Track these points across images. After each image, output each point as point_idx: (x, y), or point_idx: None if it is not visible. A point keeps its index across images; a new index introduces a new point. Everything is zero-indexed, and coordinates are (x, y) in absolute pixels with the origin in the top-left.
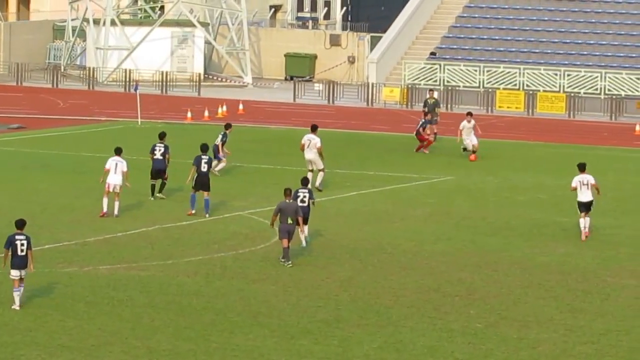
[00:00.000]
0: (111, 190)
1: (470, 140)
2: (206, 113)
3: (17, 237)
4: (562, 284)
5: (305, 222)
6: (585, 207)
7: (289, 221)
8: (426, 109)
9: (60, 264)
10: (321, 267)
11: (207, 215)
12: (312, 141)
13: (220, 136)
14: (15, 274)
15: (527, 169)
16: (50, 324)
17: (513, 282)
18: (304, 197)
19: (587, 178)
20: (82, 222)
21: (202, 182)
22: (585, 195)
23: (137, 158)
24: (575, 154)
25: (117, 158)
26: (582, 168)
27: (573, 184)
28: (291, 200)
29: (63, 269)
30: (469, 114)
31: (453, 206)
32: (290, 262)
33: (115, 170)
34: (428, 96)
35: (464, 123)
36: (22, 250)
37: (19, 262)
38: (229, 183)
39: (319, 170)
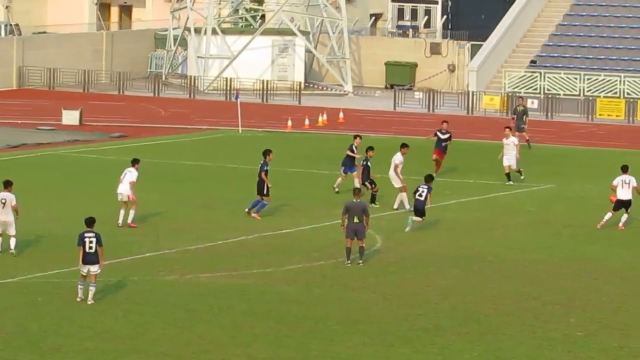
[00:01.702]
0: (119, 199)
1: (509, 160)
2: (307, 121)
3: (86, 234)
4: None
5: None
6: (624, 205)
7: (356, 220)
8: (515, 117)
9: (161, 272)
10: (421, 275)
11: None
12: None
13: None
14: (83, 269)
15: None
16: (151, 332)
17: (613, 290)
18: (422, 192)
19: (630, 178)
20: (182, 230)
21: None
22: (624, 194)
23: (238, 166)
24: None
25: (129, 168)
26: (625, 169)
27: (614, 182)
28: (359, 200)
29: (164, 277)
30: (507, 127)
31: (553, 214)
32: (349, 262)
33: (123, 180)
34: (518, 103)
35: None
36: (90, 247)
37: (88, 259)
38: (327, 191)
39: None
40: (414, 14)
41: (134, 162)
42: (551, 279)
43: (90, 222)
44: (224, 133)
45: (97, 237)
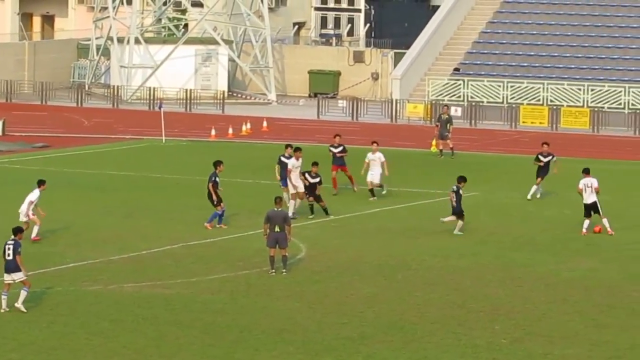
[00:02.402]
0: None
1: (372, 175)
2: (230, 130)
3: (7, 242)
4: (587, 299)
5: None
6: (591, 208)
7: (277, 229)
8: (439, 124)
9: (85, 282)
10: (346, 283)
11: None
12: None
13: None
14: (6, 278)
15: (551, 184)
16: (75, 343)
17: (538, 297)
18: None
19: (592, 181)
20: (106, 240)
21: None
22: (589, 198)
23: (161, 176)
24: (599, 168)
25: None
26: (586, 172)
27: (579, 186)
28: (280, 209)
29: (88, 287)
30: (374, 142)
31: (478, 222)
32: (274, 270)
33: (25, 200)
34: (442, 111)
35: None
36: (8, 255)
37: (7, 266)
38: (252, 200)
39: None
40: (337, 22)
41: (40, 184)
42: (476, 287)
43: (16, 231)
44: (148, 142)
45: (15, 245)
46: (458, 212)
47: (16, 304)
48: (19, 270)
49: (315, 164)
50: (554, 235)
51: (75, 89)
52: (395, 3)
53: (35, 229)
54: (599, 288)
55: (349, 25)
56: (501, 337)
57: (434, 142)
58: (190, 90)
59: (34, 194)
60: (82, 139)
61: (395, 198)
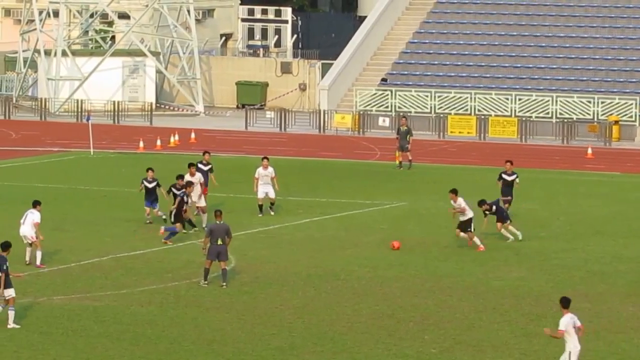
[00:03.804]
0: (24, 242)
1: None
2: (158, 142)
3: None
4: (516, 308)
5: None
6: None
7: (219, 242)
8: (399, 136)
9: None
10: (275, 294)
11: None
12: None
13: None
14: (5, 293)
15: (479, 193)
16: (4, 356)
17: (467, 307)
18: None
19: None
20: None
21: None
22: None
23: (89, 188)
24: (527, 177)
25: (30, 210)
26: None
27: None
28: (222, 222)
29: (17, 299)
30: (265, 158)
31: (405, 232)
32: (207, 282)
33: (25, 222)
34: (400, 123)
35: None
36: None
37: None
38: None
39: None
40: (264, 33)
41: (35, 204)
42: (405, 297)
43: (4, 246)
44: (76, 155)
45: (1, 261)
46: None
47: (9, 326)
48: (10, 286)
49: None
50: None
51: (3, 102)
52: (322, 14)
53: (38, 255)
54: (527, 297)
55: (276, 36)
56: (431, 347)
57: (397, 154)
58: (118, 102)
59: (35, 215)
60: (9, 151)
61: (324, 209)
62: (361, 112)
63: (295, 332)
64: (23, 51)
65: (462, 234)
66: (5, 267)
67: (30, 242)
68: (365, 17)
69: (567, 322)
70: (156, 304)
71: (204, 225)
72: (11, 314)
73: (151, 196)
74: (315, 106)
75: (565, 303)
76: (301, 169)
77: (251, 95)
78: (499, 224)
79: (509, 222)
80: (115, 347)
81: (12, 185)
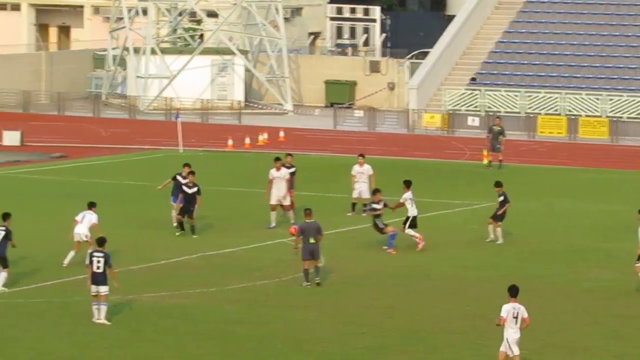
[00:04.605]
0: (75, 239)
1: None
2: (247, 140)
3: (95, 253)
4: (607, 309)
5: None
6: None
7: (311, 240)
8: (490, 136)
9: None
10: (364, 294)
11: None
12: None
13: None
14: (92, 289)
15: (570, 194)
16: (95, 353)
17: (557, 308)
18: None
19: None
20: (124, 250)
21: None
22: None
23: None
24: (618, 179)
25: (87, 211)
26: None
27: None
28: (312, 220)
29: (108, 296)
30: (361, 155)
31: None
32: (309, 283)
33: (82, 221)
34: (493, 123)
35: (356, 167)
36: (98, 267)
37: (96, 278)
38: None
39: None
40: (353, 32)
41: (91, 205)
42: (495, 297)
43: (101, 241)
44: (165, 153)
45: (106, 257)
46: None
47: (98, 320)
48: (105, 283)
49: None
50: (572, 245)
51: (92, 100)
52: (410, 13)
53: (70, 255)
54: (618, 299)
55: (365, 35)
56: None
57: (485, 153)
58: (207, 100)
59: (94, 217)
60: (99, 149)
61: None
62: (450, 112)
63: (384, 331)
64: (112, 49)
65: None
66: (111, 263)
67: (81, 240)
68: (454, 16)
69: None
70: (245, 302)
71: (272, 225)
72: (103, 308)
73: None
74: (404, 105)
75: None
76: (390, 169)
77: (340, 94)
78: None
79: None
80: (204, 345)
81: (101, 182)
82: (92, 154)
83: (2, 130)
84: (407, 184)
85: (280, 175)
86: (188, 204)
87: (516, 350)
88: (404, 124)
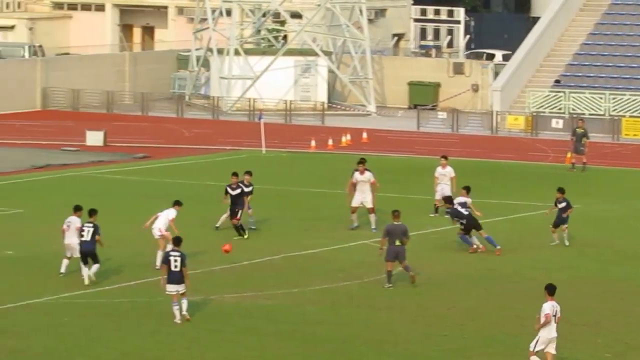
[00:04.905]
0: (155, 236)
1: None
2: (330, 142)
3: (171, 253)
4: None
5: None
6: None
7: (397, 243)
8: (574, 138)
9: (187, 292)
10: (446, 296)
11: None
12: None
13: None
14: (170, 289)
15: None
16: (177, 352)
17: None
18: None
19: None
20: (207, 251)
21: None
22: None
23: (261, 187)
24: None
25: (170, 209)
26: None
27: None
28: (399, 222)
29: (189, 297)
30: (443, 157)
31: (578, 234)
32: (391, 284)
33: (160, 216)
34: (577, 126)
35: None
36: (175, 267)
37: (173, 277)
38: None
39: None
40: (437, 33)
41: (176, 204)
42: (577, 300)
43: (177, 241)
44: (247, 153)
45: (183, 257)
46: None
47: (181, 319)
48: (182, 282)
49: (235, 174)
50: None
51: (176, 100)
52: (494, 14)
53: (159, 255)
54: None
55: (449, 36)
56: (604, 351)
57: (569, 156)
58: (290, 101)
59: (172, 213)
60: (182, 149)
61: (496, 210)
62: (534, 114)
63: (466, 333)
64: (196, 50)
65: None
66: (186, 262)
67: (160, 235)
68: (539, 17)
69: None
70: (327, 303)
71: (373, 227)
72: (185, 303)
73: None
74: (487, 107)
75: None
76: (473, 171)
77: (423, 96)
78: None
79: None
80: (286, 346)
81: (184, 183)
82: (175, 155)
83: (86, 131)
84: (467, 190)
85: (364, 179)
86: (234, 206)
87: (552, 349)
88: (487, 126)
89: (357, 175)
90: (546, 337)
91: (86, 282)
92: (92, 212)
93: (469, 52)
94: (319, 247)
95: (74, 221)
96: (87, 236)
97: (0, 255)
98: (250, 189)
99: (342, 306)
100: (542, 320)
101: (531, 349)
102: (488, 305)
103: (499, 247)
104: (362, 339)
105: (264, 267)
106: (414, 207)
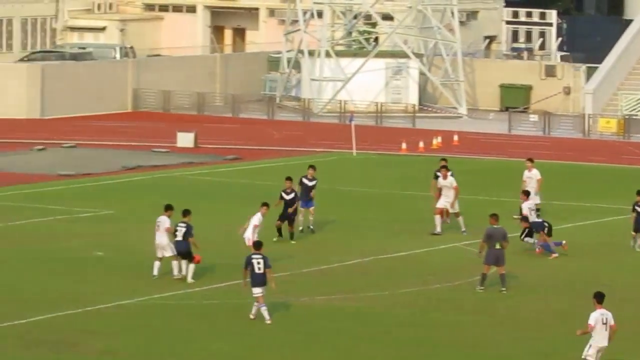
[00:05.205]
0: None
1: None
2: (421, 144)
3: (253, 256)
4: None
5: None
6: None
7: (497, 246)
8: None
9: (276, 295)
10: (537, 299)
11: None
12: None
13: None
14: (256, 291)
15: None
16: (266, 354)
17: None
18: None
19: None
20: (296, 253)
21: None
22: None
23: (352, 189)
24: None
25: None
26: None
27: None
28: (499, 225)
29: (280, 299)
30: (529, 160)
31: None
32: (483, 288)
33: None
34: None
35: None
36: (259, 269)
37: (258, 280)
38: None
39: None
40: (529, 36)
41: (264, 205)
42: None
43: (258, 245)
44: (338, 155)
45: (265, 259)
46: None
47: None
48: (265, 283)
49: (289, 179)
50: None
51: (266, 102)
52: (587, 17)
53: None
54: None
55: (541, 39)
56: None
57: None
58: (381, 103)
59: (257, 218)
60: (272, 151)
61: (587, 214)
62: (626, 117)
63: (557, 337)
64: (287, 52)
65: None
66: (269, 264)
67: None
68: (632, 20)
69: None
70: (418, 306)
71: (463, 230)
72: (264, 309)
73: (306, 196)
74: (579, 110)
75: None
76: (565, 173)
77: (515, 98)
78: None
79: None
80: (376, 348)
81: (274, 185)
82: (266, 157)
83: (177, 132)
84: (527, 194)
85: (447, 184)
86: (286, 210)
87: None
88: (579, 129)
89: (440, 179)
90: (597, 345)
91: (176, 274)
92: (186, 213)
93: (562, 54)
94: (410, 250)
95: (163, 221)
96: (179, 236)
97: (90, 256)
98: (313, 183)
99: (433, 309)
100: (583, 330)
101: (583, 356)
102: (578, 308)
103: (555, 254)
104: (452, 342)
105: (354, 270)
106: (505, 210)
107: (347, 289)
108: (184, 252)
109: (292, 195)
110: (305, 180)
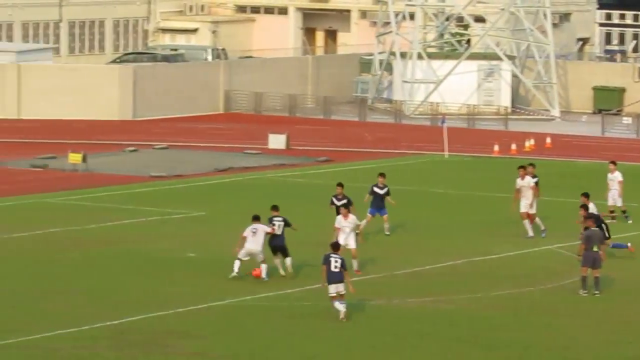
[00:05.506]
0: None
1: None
2: (513, 146)
3: (332, 255)
4: None
5: None
6: None
7: (595, 249)
8: None
9: (368, 297)
10: (633, 301)
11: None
12: None
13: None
14: (331, 289)
15: None
16: (358, 357)
17: None
18: None
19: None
20: (389, 255)
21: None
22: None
23: (444, 191)
24: None
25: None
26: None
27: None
28: (595, 228)
29: (371, 301)
30: (612, 162)
31: None
32: (587, 291)
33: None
34: None
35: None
36: (335, 267)
37: (333, 277)
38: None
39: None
40: (622, 38)
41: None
42: None
43: (335, 246)
44: (430, 157)
45: (342, 260)
46: None
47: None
48: (342, 280)
49: (340, 185)
50: None
51: (358, 104)
52: None
53: (355, 263)
54: None
55: (634, 41)
56: None
57: None
58: (473, 105)
59: (345, 220)
60: (364, 153)
61: None
62: None
63: None
64: (379, 53)
65: None
66: (346, 265)
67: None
68: None
69: None
70: (510, 309)
71: (529, 234)
72: (342, 307)
73: (378, 203)
74: None
75: None
76: None
77: (608, 101)
78: None
79: None
80: (468, 351)
81: (366, 187)
82: (357, 159)
83: (268, 134)
84: (587, 196)
85: (524, 184)
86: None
87: None
88: None
89: (518, 180)
90: None
91: (282, 272)
92: (276, 207)
93: None
94: (503, 252)
95: (261, 228)
96: (278, 230)
97: (182, 258)
98: (385, 190)
99: (525, 312)
100: None
101: None
102: None
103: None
104: (545, 345)
105: (447, 272)
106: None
107: (438, 292)
108: (281, 247)
109: (344, 201)
110: (376, 189)
